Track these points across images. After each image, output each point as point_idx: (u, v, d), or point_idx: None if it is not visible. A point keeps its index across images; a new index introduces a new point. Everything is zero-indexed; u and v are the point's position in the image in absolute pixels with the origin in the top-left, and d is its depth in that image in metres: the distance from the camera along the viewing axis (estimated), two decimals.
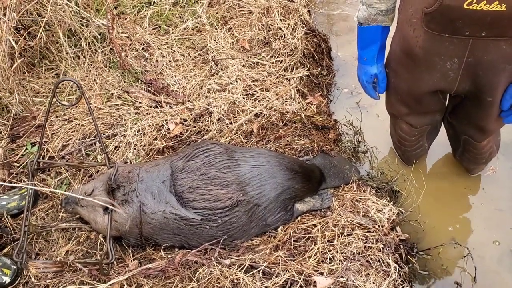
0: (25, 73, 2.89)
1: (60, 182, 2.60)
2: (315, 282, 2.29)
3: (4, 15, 2.59)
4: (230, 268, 2.30)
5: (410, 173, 3.09)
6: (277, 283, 2.25)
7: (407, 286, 2.44)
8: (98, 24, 2.92)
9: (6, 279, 2.24)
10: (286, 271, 2.31)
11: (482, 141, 2.72)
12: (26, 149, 2.69)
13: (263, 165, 2.46)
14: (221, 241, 2.31)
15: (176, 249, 2.44)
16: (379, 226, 2.66)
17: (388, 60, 2.53)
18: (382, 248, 2.60)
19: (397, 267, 2.50)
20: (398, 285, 2.51)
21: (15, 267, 2.26)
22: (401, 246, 2.74)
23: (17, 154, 2.69)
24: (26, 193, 2.51)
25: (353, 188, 2.84)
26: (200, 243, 2.31)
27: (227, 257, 2.36)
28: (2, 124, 2.74)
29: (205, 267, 2.28)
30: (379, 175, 3.09)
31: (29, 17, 2.75)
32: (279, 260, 2.36)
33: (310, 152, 2.97)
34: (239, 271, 2.28)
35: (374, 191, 2.84)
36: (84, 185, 2.34)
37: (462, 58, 2.18)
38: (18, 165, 2.67)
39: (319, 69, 3.51)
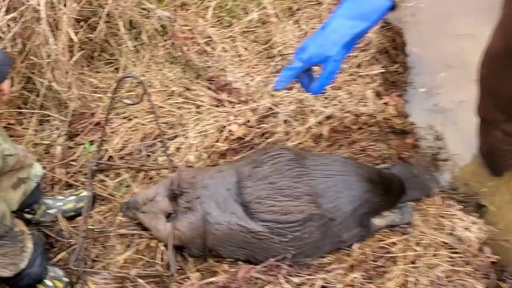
0: (83, 67, 2.85)
1: (119, 184, 2.54)
2: None
3: (64, 5, 2.55)
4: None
5: (499, 185, 2.83)
6: None
7: None
8: (159, 16, 2.84)
9: None
10: None
11: None
12: (84, 147, 2.66)
13: (338, 175, 2.30)
14: (290, 257, 2.17)
15: (240, 263, 2.32)
16: (467, 246, 2.45)
17: (486, 60, 2.30)
18: (472, 271, 2.38)
19: None
20: None
21: (67, 280, 2.21)
22: (491, 269, 2.50)
23: (75, 153, 2.66)
24: (83, 194, 2.47)
25: (436, 201, 2.62)
26: (267, 258, 2.18)
27: (295, 275, 2.22)
28: (61, 121, 2.72)
29: (271, 286, 2.15)
30: (462, 187, 2.85)
31: (89, 8, 2.70)
32: (355, 282, 2.20)
33: (387, 160, 2.77)
34: None
35: (460, 206, 2.61)
36: (146, 190, 2.27)
37: None
38: (75, 164, 2.63)
39: (395, 66, 3.29)
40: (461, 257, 2.39)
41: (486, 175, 2.92)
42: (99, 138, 2.65)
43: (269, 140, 2.71)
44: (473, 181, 2.86)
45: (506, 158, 2.79)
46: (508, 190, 2.78)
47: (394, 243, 2.39)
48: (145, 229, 2.39)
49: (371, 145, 2.81)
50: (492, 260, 2.45)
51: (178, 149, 2.64)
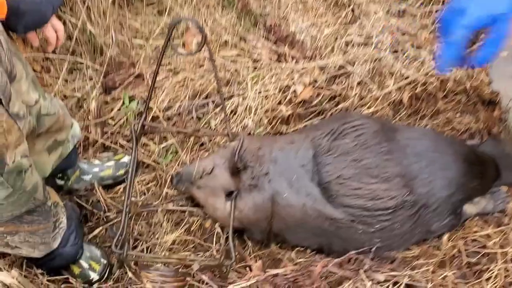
0: (122, 7, 2.42)
1: (166, 150, 2.17)
2: None
3: None
4: (381, 286, 1.81)
5: None
6: None
7: None
8: None
9: (94, 276, 1.88)
10: None
11: None
12: (123, 103, 2.27)
13: (432, 153, 1.91)
14: (373, 250, 1.81)
15: (308, 250, 1.97)
16: None
17: None
18: None
19: None
20: None
21: (105, 262, 1.88)
22: None
23: (112, 109, 2.28)
24: (123, 160, 2.11)
25: None
26: (346, 249, 1.83)
27: (377, 270, 1.87)
28: (95, 70, 2.32)
29: (351, 282, 1.80)
30: None
31: None
32: (448, 282, 1.84)
33: (475, 135, 2.36)
34: None
35: None
36: (201, 160, 1.90)
37: None
38: (113, 122, 2.25)
39: None
40: None
41: None
42: (141, 93, 2.26)
43: (340, 106, 2.30)
44: None
45: None
46: None
47: (488, 236, 2.02)
48: (197, 205, 2.03)
49: (457, 117, 2.38)
50: None
51: (233, 112, 2.23)
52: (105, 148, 2.24)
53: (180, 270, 1.54)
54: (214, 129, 2.19)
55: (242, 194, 1.83)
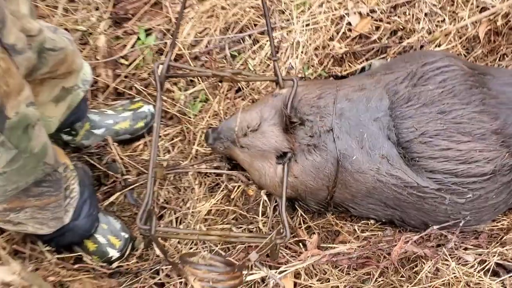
0: None
1: (193, 97, 1.76)
2: None
3: None
4: (464, 266, 1.48)
5: None
6: None
7: None
8: None
9: (114, 253, 1.55)
10: None
11: None
12: (139, 38, 1.84)
13: None
14: (461, 225, 1.46)
15: (372, 221, 1.62)
16: None
17: None
18: None
19: None
20: None
21: (127, 236, 1.54)
22: None
23: (125, 46, 1.85)
24: (142, 109, 1.72)
25: None
26: (425, 223, 1.47)
27: (463, 248, 1.52)
28: None
29: (430, 263, 1.46)
30: None
31: None
32: None
33: None
34: (481, 272, 1.44)
35: None
36: (245, 113, 1.50)
37: None
38: (127, 62, 1.83)
39: None
40: None
41: None
42: (159, 25, 1.82)
43: (405, 42, 1.87)
44: None
45: None
46: None
47: None
48: (236, 167, 1.65)
49: None
50: None
51: (276, 48, 1.80)
52: (119, 95, 1.83)
53: (233, 262, 1.18)
54: (254, 71, 1.77)
55: (298, 156, 1.46)
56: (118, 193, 1.67)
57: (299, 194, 1.54)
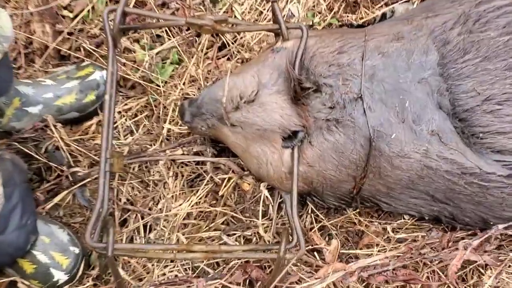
0: None
1: (162, 59, 1.31)
2: None
3: None
4: None
5: None
6: None
7: None
8: None
9: (61, 276, 1.14)
10: None
11: None
12: None
13: None
14: None
15: (407, 217, 1.22)
16: None
17: None
18: None
19: None
20: None
21: (77, 251, 1.11)
22: None
23: None
24: (91, 76, 1.27)
25: None
26: (485, 220, 1.09)
27: None
28: None
29: (491, 273, 1.07)
30: None
31: None
32: None
33: None
34: None
35: None
36: (234, 77, 1.06)
37: None
38: (71, 15, 1.36)
39: None
40: None
41: None
42: None
43: None
44: None
45: None
46: None
47: None
48: (224, 151, 1.22)
49: None
50: None
51: None
52: (62, 58, 1.37)
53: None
54: (243, 20, 1.32)
55: (314, 136, 1.04)
56: (64, 192, 1.23)
57: (314, 188, 1.12)
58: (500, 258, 1.15)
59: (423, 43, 1.07)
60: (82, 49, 1.37)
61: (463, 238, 1.16)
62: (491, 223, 1.13)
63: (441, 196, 1.10)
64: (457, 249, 1.10)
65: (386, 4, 1.48)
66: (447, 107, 1.03)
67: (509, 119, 1.02)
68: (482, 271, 1.15)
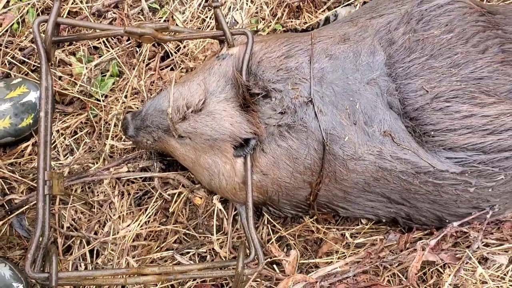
0: None
1: (101, 71, 1.24)
2: None
3: None
4: (488, 269, 1.13)
5: None
6: None
7: None
8: None
9: None
10: None
11: None
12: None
13: None
14: (489, 216, 1.08)
15: (364, 221, 1.21)
16: None
17: None
18: None
19: None
20: None
21: (21, 286, 1.02)
22: None
23: None
24: (26, 96, 1.18)
25: None
26: (441, 218, 1.09)
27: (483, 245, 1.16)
28: None
29: (451, 270, 1.08)
30: None
31: None
32: None
33: None
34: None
35: None
36: (180, 86, 1.01)
37: None
38: None
39: None
40: None
41: None
42: None
43: None
44: None
45: None
46: None
47: None
48: (172, 165, 1.16)
49: None
50: None
51: None
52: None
53: None
54: (185, 28, 1.26)
55: (266, 143, 1.01)
56: (0, 222, 1.12)
57: (270, 197, 1.08)
58: (457, 255, 1.15)
59: (370, 44, 1.06)
60: (11, 63, 1.27)
61: (420, 239, 1.15)
62: (447, 220, 1.14)
63: (397, 197, 1.09)
64: (415, 250, 1.09)
65: (329, 8, 1.48)
66: (398, 106, 1.02)
67: (458, 116, 1.03)
68: (441, 270, 1.15)
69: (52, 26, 0.99)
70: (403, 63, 1.04)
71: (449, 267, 1.13)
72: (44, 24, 1.02)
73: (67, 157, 1.22)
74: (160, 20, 1.31)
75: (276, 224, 1.21)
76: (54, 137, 1.23)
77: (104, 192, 1.16)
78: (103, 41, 1.29)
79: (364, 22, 1.12)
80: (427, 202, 1.10)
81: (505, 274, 1.15)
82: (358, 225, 1.24)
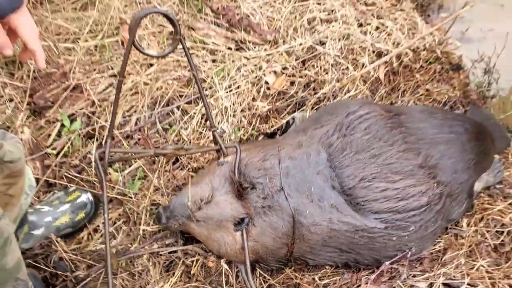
0: (36, 6, 1.87)
1: (131, 176, 1.71)
2: None
3: None
4: None
5: None
6: None
7: None
8: None
9: None
10: None
11: None
12: (63, 125, 1.76)
13: (448, 135, 1.70)
14: (409, 256, 1.57)
15: (328, 267, 1.68)
16: None
17: None
18: None
19: None
20: None
21: None
22: None
23: (49, 135, 1.76)
24: (81, 199, 1.65)
25: None
26: (378, 260, 1.57)
27: (410, 275, 1.63)
28: (15, 87, 1.77)
29: None
30: None
31: None
32: (483, 273, 1.66)
33: (456, 105, 2.22)
34: None
35: None
36: (194, 186, 1.49)
37: None
38: (54, 152, 1.74)
39: None
40: None
41: None
42: (82, 109, 1.77)
43: (320, 92, 2.00)
44: None
45: None
46: None
47: (502, 212, 1.88)
48: (189, 240, 1.63)
49: (436, 88, 2.22)
50: None
51: (204, 117, 1.83)
52: (50, 186, 1.72)
53: None
54: (188, 141, 1.77)
55: (255, 219, 1.48)
56: None
57: (260, 256, 1.55)
58: (393, 286, 1.62)
59: (316, 148, 1.57)
60: (65, 177, 1.74)
61: (366, 276, 1.63)
62: (382, 261, 1.62)
63: (346, 248, 1.57)
64: (360, 285, 1.56)
65: (289, 113, 2.02)
66: (338, 187, 1.53)
67: (378, 190, 1.52)
68: None
69: (107, 155, 1.48)
70: (339, 158, 1.55)
71: None
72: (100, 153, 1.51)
73: (112, 242, 1.67)
74: (170, 136, 1.82)
75: (266, 275, 1.67)
76: (99, 227, 1.69)
77: (142, 264, 1.61)
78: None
79: (311, 132, 1.64)
80: (366, 249, 1.58)
81: None
82: (323, 270, 1.71)
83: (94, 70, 1.86)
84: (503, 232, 1.81)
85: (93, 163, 1.48)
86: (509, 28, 2.36)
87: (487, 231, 1.82)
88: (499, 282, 1.64)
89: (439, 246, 1.77)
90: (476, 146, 1.76)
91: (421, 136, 1.67)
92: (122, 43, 1.95)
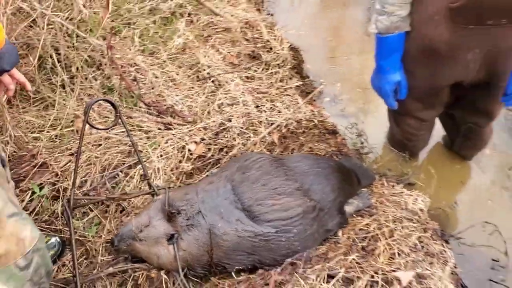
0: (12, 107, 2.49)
1: (90, 223, 2.24)
2: (398, 278, 2.24)
3: None
4: (311, 281, 2.16)
5: (417, 165, 3.21)
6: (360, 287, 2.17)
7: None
8: (89, 47, 2.64)
9: None
10: (364, 273, 2.23)
11: (486, 126, 2.87)
12: (34, 192, 2.30)
13: (316, 169, 2.38)
14: (305, 255, 2.17)
15: (242, 274, 2.23)
16: (419, 216, 2.72)
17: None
18: (431, 236, 2.64)
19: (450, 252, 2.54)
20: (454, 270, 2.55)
21: None
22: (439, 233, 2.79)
23: (23, 200, 2.28)
24: (49, 241, 2.13)
25: (385, 184, 2.86)
26: (275, 259, 2.14)
27: (305, 270, 2.22)
28: None
29: (289, 285, 2.11)
30: (389, 172, 3.17)
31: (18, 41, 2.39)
32: (354, 263, 2.27)
33: (334, 156, 2.95)
34: (321, 281, 2.14)
35: (402, 185, 2.90)
36: (137, 217, 2.05)
37: (483, 48, 2.23)
38: (28, 212, 2.26)
39: (307, 79, 3.55)
40: (419, 226, 2.63)
41: (401, 160, 3.26)
42: (48, 179, 2.33)
43: (231, 153, 2.67)
44: (394, 165, 3.18)
45: (420, 141, 3.15)
46: (428, 167, 3.17)
47: (367, 224, 2.53)
48: (141, 261, 2.14)
49: (316, 146, 2.95)
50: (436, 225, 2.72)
51: (142, 176, 2.43)
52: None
53: None
54: (131, 192, 2.35)
55: (182, 235, 2.03)
56: None
57: (189, 263, 2.08)
58: (294, 276, 2.17)
59: (223, 182, 2.17)
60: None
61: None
62: (279, 259, 2.15)
63: (251, 251, 2.11)
64: (271, 277, 2.10)
65: (207, 170, 2.66)
66: (240, 207, 2.11)
67: (268, 205, 2.10)
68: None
69: (72, 202, 2.03)
70: (239, 188, 2.14)
71: (289, 282, 2.13)
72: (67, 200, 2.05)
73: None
74: (117, 191, 2.39)
75: (199, 281, 2.18)
76: (65, 263, 2.16)
77: (102, 284, 2.09)
78: (89, 208, 2.33)
79: (219, 174, 2.26)
80: (266, 251, 2.11)
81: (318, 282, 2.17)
82: (241, 277, 2.24)
83: (56, 151, 2.45)
84: (367, 237, 2.45)
85: (59, 215, 2.02)
86: None
87: (357, 237, 2.45)
88: (366, 269, 2.24)
89: (323, 250, 2.37)
90: (339, 176, 2.45)
91: (297, 170, 2.33)
92: (77, 131, 2.57)
